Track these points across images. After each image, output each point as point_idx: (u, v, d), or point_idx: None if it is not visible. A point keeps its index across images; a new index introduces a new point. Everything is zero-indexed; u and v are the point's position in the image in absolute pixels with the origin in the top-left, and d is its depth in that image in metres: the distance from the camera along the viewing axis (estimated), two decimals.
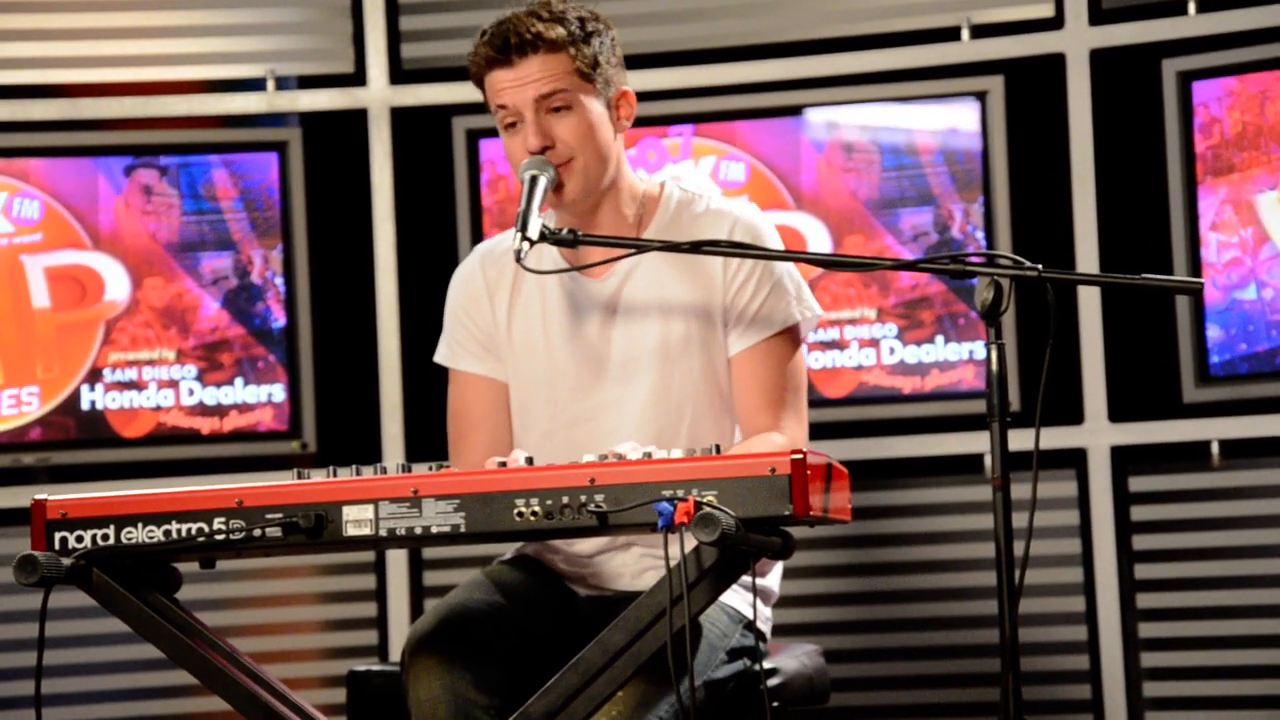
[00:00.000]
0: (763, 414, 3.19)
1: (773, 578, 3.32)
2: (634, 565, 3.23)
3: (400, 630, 5.26)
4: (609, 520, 2.63)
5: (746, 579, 2.65)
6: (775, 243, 3.24)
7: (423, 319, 5.33)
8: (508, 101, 3.15)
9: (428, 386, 5.28)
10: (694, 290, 3.21)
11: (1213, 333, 5.02)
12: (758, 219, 3.25)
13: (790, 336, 3.23)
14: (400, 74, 5.41)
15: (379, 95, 5.39)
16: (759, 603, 3.25)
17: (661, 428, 3.17)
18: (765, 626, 3.28)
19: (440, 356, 3.36)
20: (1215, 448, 5.05)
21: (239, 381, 5.31)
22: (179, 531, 2.75)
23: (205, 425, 5.30)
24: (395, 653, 5.25)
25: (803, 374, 3.25)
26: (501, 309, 3.29)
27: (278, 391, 5.31)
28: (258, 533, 2.72)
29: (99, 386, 5.28)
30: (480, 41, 3.17)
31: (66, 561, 2.74)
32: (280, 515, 2.71)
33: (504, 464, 2.76)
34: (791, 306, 3.22)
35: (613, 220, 3.23)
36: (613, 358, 3.22)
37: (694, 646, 2.91)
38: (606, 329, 3.23)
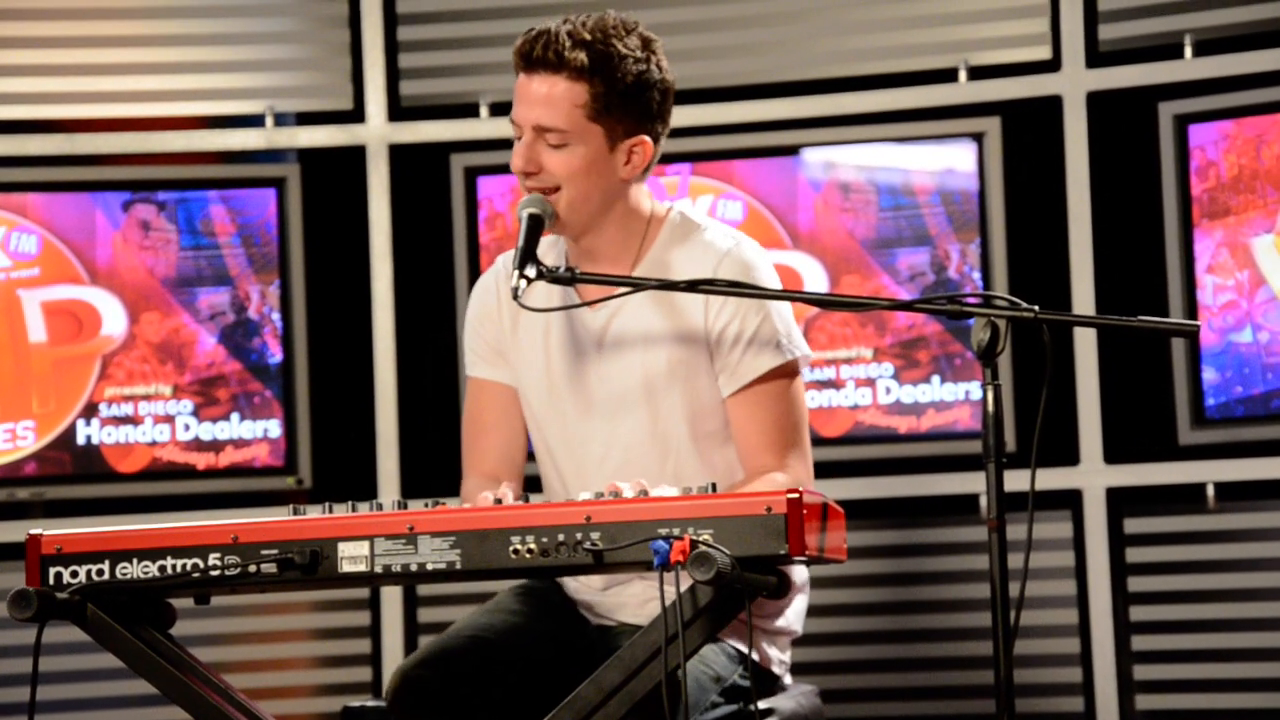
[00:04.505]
0: (763, 455, 3.14)
1: (794, 615, 3.26)
2: (640, 595, 3.20)
3: (395, 667, 5.24)
4: (604, 558, 2.62)
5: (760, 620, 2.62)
6: (769, 281, 3.18)
7: (419, 356, 5.33)
8: (516, 116, 3.14)
9: (424, 423, 5.29)
10: (676, 325, 3.17)
11: (1208, 375, 5.02)
12: (750, 256, 3.18)
13: (784, 374, 3.17)
14: (399, 111, 5.42)
15: (377, 132, 5.39)
16: (775, 644, 3.22)
17: (646, 465, 3.14)
18: (781, 669, 3.25)
19: (466, 365, 3.37)
20: (1211, 490, 5.05)
21: (235, 417, 5.30)
22: (174, 567, 2.75)
23: (201, 460, 5.30)
24: None
25: (802, 410, 3.19)
26: (508, 323, 3.29)
27: (274, 427, 5.30)
28: (253, 569, 2.72)
29: (95, 421, 5.28)
30: (519, 39, 3.13)
31: (61, 596, 2.75)
32: (276, 551, 2.71)
33: (499, 501, 2.77)
34: (780, 345, 3.17)
35: (615, 245, 3.21)
36: (599, 391, 3.20)
37: (688, 687, 2.90)
38: (596, 361, 3.21)
